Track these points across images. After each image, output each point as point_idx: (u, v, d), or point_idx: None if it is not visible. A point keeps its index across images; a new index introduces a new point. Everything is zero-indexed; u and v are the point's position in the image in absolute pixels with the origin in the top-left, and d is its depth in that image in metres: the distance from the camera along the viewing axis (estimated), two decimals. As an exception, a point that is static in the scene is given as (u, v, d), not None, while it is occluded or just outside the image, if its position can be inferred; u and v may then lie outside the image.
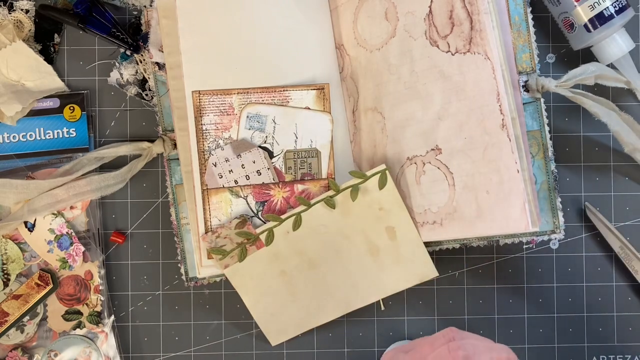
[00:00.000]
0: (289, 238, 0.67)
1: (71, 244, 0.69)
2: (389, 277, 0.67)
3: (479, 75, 0.61)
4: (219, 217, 0.66)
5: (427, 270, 0.67)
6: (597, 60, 0.69)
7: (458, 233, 0.64)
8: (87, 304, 0.70)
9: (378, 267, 0.67)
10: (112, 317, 0.71)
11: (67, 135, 0.70)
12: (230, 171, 0.66)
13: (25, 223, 0.69)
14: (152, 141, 0.69)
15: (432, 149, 0.64)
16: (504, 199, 0.60)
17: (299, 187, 0.67)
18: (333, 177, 0.67)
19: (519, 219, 0.60)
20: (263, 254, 0.67)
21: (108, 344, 0.70)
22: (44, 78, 0.69)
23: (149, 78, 0.69)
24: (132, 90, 0.70)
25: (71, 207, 0.70)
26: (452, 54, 0.62)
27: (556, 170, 0.66)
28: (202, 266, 0.67)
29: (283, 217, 0.66)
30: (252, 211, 0.67)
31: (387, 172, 0.65)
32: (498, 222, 0.61)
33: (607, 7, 0.66)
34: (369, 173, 0.65)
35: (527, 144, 0.62)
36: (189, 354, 0.72)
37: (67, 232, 0.69)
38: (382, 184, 0.65)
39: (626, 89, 0.70)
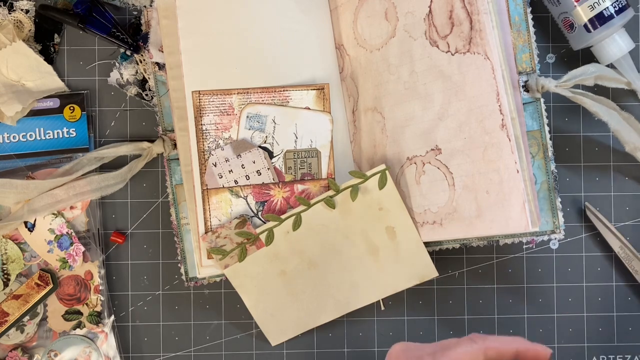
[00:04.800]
0: (289, 238, 0.67)
1: (71, 244, 0.69)
2: (389, 277, 0.67)
3: (478, 75, 0.61)
4: (219, 217, 0.66)
5: (427, 270, 0.67)
6: (597, 61, 0.69)
7: (458, 233, 0.64)
8: (87, 304, 0.70)
9: (378, 267, 0.67)
10: (112, 317, 0.71)
11: (67, 135, 0.70)
12: (230, 171, 0.66)
13: (25, 223, 0.69)
14: (152, 141, 0.69)
15: (432, 149, 0.64)
16: (503, 199, 0.60)
17: (299, 187, 0.67)
18: (333, 177, 0.67)
19: (518, 219, 0.60)
20: (263, 254, 0.67)
21: (108, 344, 0.70)
22: (44, 78, 0.69)
23: (149, 78, 0.69)
24: (132, 90, 0.70)
25: (71, 207, 0.70)
26: (452, 54, 0.62)
27: (556, 170, 0.66)
28: (202, 266, 0.67)
29: (283, 217, 0.66)
30: (252, 211, 0.67)
31: (387, 172, 0.65)
32: (498, 222, 0.61)
33: (607, 7, 0.66)
34: (369, 173, 0.65)
35: (527, 144, 0.62)
36: (189, 354, 0.72)
37: (67, 232, 0.69)
38: (382, 184, 0.65)
39: (626, 89, 0.70)
